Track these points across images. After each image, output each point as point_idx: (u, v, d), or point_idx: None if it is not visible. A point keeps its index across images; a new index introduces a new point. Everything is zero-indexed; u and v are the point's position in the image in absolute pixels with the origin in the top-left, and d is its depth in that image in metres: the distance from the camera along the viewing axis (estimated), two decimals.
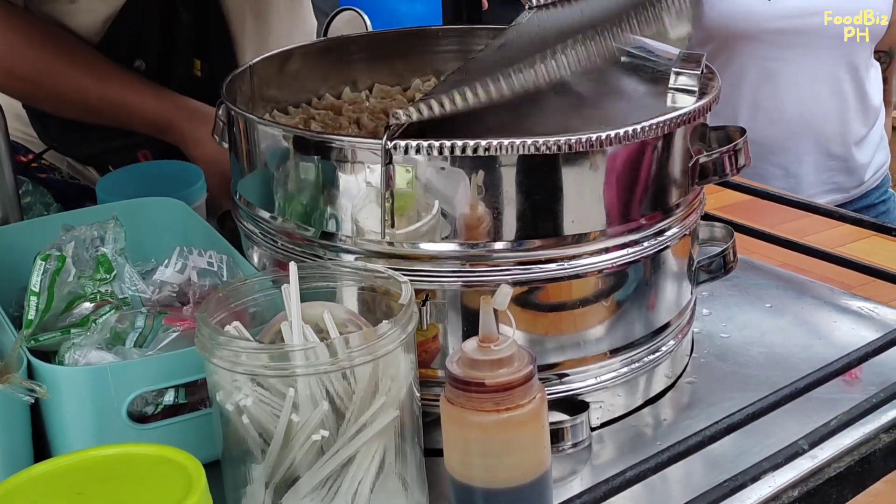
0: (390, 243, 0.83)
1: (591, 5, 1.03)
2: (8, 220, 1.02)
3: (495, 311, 0.73)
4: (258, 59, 1.06)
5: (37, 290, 0.82)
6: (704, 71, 0.94)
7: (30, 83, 1.26)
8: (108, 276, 0.88)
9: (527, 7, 1.12)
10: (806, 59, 1.72)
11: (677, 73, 0.91)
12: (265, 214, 0.91)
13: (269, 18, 1.39)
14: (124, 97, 1.25)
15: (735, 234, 1.02)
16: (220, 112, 1.01)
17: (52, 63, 1.24)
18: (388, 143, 0.79)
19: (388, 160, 0.80)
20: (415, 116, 0.77)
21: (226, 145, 1.00)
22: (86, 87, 1.24)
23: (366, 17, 1.41)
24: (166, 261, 0.94)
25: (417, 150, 0.79)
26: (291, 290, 0.78)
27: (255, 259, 0.96)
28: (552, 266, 0.84)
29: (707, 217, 1.01)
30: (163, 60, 1.30)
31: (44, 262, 0.82)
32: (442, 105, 0.76)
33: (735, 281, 1.13)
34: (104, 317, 0.85)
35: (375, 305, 0.82)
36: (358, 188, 0.83)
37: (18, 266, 1.00)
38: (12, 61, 1.24)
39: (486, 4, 1.50)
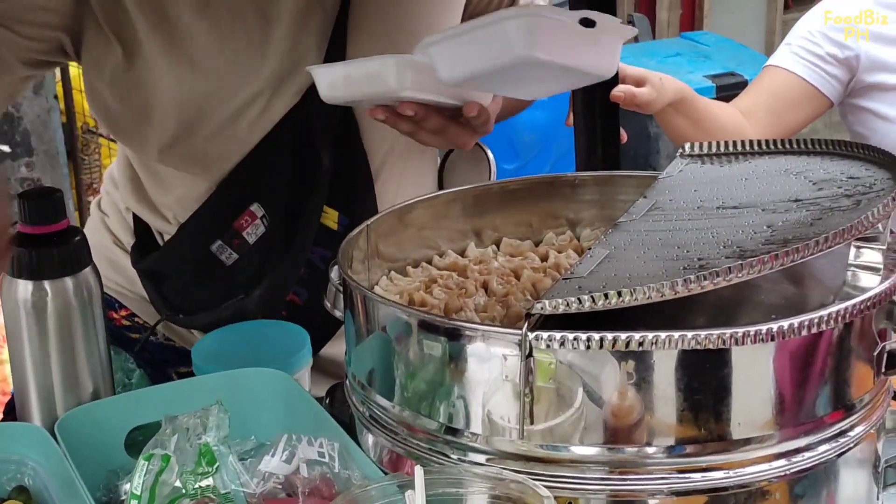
0: (527, 445, 0.84)
1: (757, 170, 1.03)
2: (99, 394, 1.06)
3: None
4: (376, 216, 1.09)
5: (138, 493, 0.85)
6: (890, 241, 0.93)
7: None
8: (209, 469, 0.90)
9: (678, 154, 1.14)
10: None
11: (858, 248, 0.90)
12: (382, 401, 0.93)
13: (409, 159, 1.37)
14: None
15: None
16: (334, 276, 1.04)
17: None
18: (530, 334, 0.80)
19: (528, 352, 0.81)
20: (561, 309, 0.79)
21: (339, 314, 1.03)
22: None
23: (488, 152, 1.44)
24: (272, 449, 0.96)
25: (562, 343, 0.80)
26: (417, 499, 0.79)
27: (370, 445, 0.97)
28: (716, 475, 0.83)
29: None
30: (292, 207, 1.29)
31: (147, 462, 0.85)
32: (594, 301, 0.77)
33: None
34: None
35: None
36: (491, 380, 0.85)
37: (108, 444, 1.03)
38: None
39: (625, 137, 1.52)
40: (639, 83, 1.60)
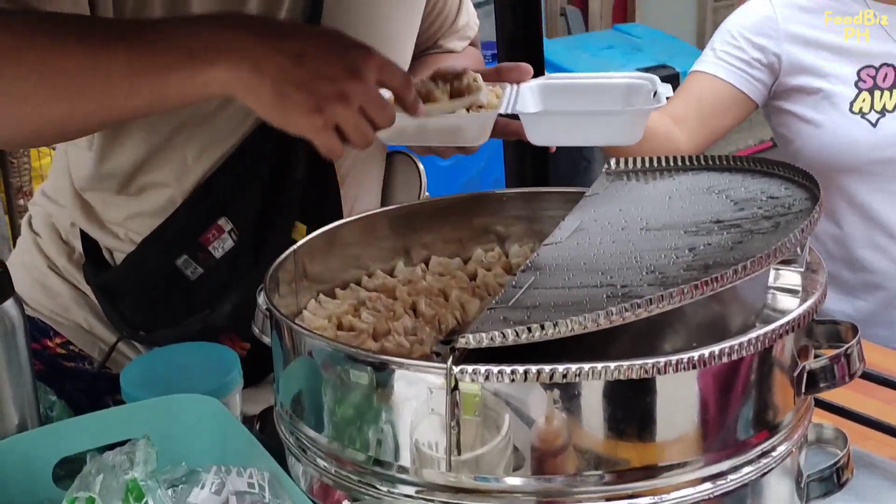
0: (456, 476, 0.84)
1: (680, 188, 1.03)
2: (26, 426, 1.04)
3: None
4: (304, 240, 1.08)
5: None
6: (809, 261, 0.94)
7: None
8: None
9: (604, 171, 1.14)
10: None
11: (777, 271, 0.91)
12: (310, 432, 0.93)
13: (367, 168, 1.38)
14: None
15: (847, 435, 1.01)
16: (262, 301, 1.03)
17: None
18: (454, 367, 0.80)
19: (453, 386, 0.81)
20: (485, 344, 0.79)
21: (267, 340, 1.02)
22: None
23: (419, 163, 1.44)
24: (202, 481, 0.95)
25: (487, 377, 0.80)
26: None
27: (300, 474, 0.97)
28: (643, 502, 0.84)
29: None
30: (261, 221, 1.26)
31: None
32: (517, 335, 0.78)
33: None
34: None
35: None
36: (417, 413, 0.84)
37: (36, 477, 1.02)
38: None
39: (553, 147, 1.52)
40: None
